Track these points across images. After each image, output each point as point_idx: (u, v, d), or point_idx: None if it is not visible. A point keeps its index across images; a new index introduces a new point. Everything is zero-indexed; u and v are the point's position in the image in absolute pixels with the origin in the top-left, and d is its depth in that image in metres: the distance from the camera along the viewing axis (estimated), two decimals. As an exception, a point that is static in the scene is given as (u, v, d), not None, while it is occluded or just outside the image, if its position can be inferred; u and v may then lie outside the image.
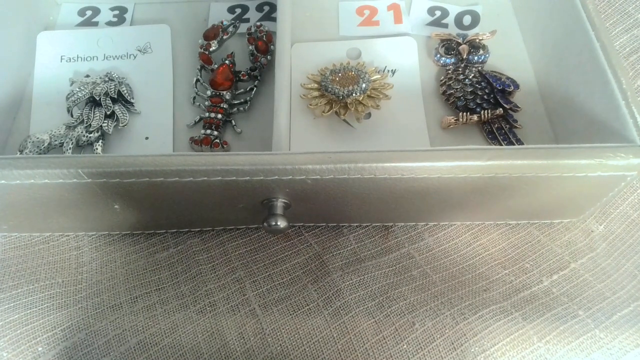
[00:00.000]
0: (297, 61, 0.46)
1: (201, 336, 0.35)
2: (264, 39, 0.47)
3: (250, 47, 0.46)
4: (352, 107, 0.41)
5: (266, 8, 0.51)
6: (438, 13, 0.50)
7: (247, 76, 0.45)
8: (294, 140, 0.42)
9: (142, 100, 0.45)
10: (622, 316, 0.35)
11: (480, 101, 0.43)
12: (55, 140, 0.41)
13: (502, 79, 0.43)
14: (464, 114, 0.42)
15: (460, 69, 0.45)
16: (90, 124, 0.42)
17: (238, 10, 0.51)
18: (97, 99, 0.42)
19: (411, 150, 0.31)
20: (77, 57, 0.47)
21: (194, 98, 0.45)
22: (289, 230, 0.40)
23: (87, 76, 0.45)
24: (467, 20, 0.50)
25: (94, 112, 0.42)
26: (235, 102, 0.45)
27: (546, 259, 0.39)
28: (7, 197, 0.32)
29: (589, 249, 0.39)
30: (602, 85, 0.35)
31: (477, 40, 0.46)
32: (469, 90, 0.43)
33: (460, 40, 0.46)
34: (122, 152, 0.42)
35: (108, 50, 0.48)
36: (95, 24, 0.51)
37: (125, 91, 0.44)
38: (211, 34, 0.46)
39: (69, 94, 0.43)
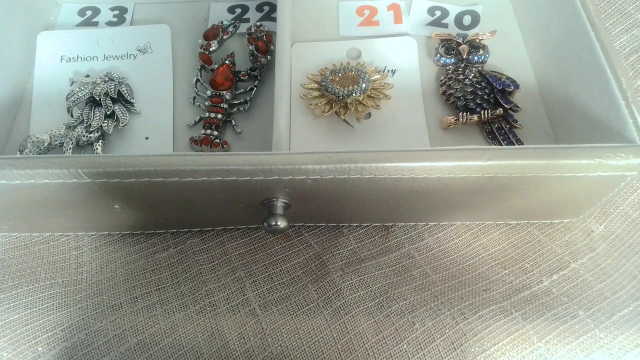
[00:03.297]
0: (297, 61, 0.46)
1: (201, 336, 0.35)
2: (264, 39, 0.47)
3: (250, 47, 0.46)
4: (352, 107, 0.41)
5: (266, 8, 0.51)
6: (438, 13, 0.50)
7: (247, 76, 0.45)
8: (294, 140, 0.42)
9: (142, 100, 0.45)
10: (622, 316, 0.35)
11: (480, 101, 0.43)
12: (55, 140, 0.41)
13: (502, 79, 0.43)
14: (464, 114, 0.42)
15: (460, 69, 0.45)
16: (90, 124, 0.42)
17: (238, 10, 0.51)
18: (97, 99, 0.42)
19: (411, 150, 0.31)
20: (77, 57, 0.47)
21: (194, 98, 0.45)
22: (289, 230, 0.40)
23: (87, 76, 0.45)
24: (467, 20, 0.50)
25: (94, 112, 0.42)
26: (235, 102, 0.45)
27: (546, 259, 0.39)
28: (7, 197, 0.32)
29: (589, 249, 0.39)
30: (602, 85, 0.35)
31: (477, 40, 0.46)
32: (469, 90, 0.43)
33: (460, 40, 0.46)
34: (122, 152, 0.42)
35: (108, 50, 0.48)
36: (95, 24, 0.51)
37: (125, 91, 0.44)
38: (211, 34, 0.46)
39: (69, 94, 0.43)
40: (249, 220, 0.39)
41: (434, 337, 0.34)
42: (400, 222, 0.41)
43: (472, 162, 0.30)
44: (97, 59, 0.47)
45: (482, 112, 0.42)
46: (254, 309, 0.36)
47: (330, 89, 0.42)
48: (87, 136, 0.41)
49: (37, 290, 0.37)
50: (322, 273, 0.38)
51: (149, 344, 0.35)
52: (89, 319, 0.35)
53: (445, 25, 0.50)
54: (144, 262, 0.39)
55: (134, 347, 0.34)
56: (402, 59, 0.47)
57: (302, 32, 0.49)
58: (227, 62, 0.45)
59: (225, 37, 0.47)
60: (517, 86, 0.43)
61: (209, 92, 0.44)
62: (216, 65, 0.45)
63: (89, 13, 0.52)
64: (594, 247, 0.39)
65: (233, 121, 0.44)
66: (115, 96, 0.43)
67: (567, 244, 0.40)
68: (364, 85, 0.42)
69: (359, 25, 0.50)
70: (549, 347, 0.34)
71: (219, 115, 0.43)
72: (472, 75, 0.44)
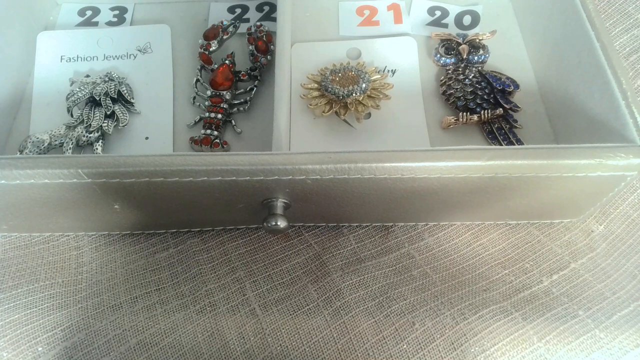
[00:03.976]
0: (297, 61, 0.46)
1: (201, 336, 0.35)
2: (264, 39, 0.47)
3: (250, 47, 0.46)
4: (352, 107, 0.41)
5: (266, 8, 0.51)
6: (438, 13, 0.50)
7: (247, 76, 0.45)
8: (294, 140, 0.42)
9: (142, 100, 0.45)
10: (622, 316, 0.35)
11: (480, 101, 0.43)
12: (55, 140, 0.41)
13: (502, 79, 0.43)
14: (464, 114, 0.42)
15: (460, 69, 0.45)
16: (90, 124, 0.42)
17: (238, 10, 0.51)
18: (97, 99, 0.42)
19: (411, 150, 0.31)
20: (77, 57, 0.47)
21: (194, 98, 0.45)
22: (289, 230, 0.40)
23: (87, 76, 0.45)
24: (467, 20, 0.50)
25: (94, 112, 0.42)
26: (235, 102, 0.45)
27: (546, 259, 0.39)
28: (7, 197, 0.32)
29: (589, 249, 0.39)
30: (602, 85, 0.35)
31: (477, 40, 0.46)
32: (469, 90, 0.43)
33: (460, 40, 0.46)
34: (122, 152, 0.42)
35: (108, 50, 0.48)
36: (95, 24, 0.51)
37: (125, 91, 0.44)
38: (211, 34, 0.46)
39: (69, 94, 0.43)
40: (249, 220, 0.39)
41: (434, 337, 0.34)
42: (400, 222, 0.41)
43: (472, 162, 0.30)
44: (97, 59, 0.47)
45: (482, 112, 0.42)
46: (254, 309, 0.36)
47: (330, 89, 0.42)
48: (87, 136, 0.41)
49: (37, 290, 0.37)
50: (322, 273, 0.38)
51: (149, 344, 0.35)
52: (89, 319, 0.35)
53: (445, 25, 0.50)
54: (144, 262, 0.39)
55: (134, 347, 0.34)
56: (402, 59, 0.47)
57: (302, 32, 0.49)
58: (227, 62, 0.45)
59: (225, 37, 0.47)
60: (517, 86, 0.43)
61: (209, 92, 0.44)
62: (216, 65, 0.45)
63: (89, 13, 0.52)
64: (594, 247, 0.39)
65: (233, 121, 0.44)
66: (115, 96, 0.43)
67: (567, 244, 0.40)
68: (364, 85, 0.42)
69: (359, 25, 0.50)
70: (549, 347, 0.34)
71: (219, 115, 0.43)
72: (472, 75, 0.44)
